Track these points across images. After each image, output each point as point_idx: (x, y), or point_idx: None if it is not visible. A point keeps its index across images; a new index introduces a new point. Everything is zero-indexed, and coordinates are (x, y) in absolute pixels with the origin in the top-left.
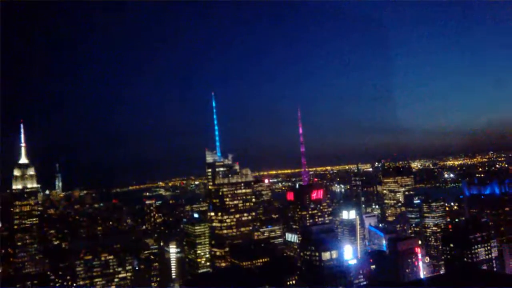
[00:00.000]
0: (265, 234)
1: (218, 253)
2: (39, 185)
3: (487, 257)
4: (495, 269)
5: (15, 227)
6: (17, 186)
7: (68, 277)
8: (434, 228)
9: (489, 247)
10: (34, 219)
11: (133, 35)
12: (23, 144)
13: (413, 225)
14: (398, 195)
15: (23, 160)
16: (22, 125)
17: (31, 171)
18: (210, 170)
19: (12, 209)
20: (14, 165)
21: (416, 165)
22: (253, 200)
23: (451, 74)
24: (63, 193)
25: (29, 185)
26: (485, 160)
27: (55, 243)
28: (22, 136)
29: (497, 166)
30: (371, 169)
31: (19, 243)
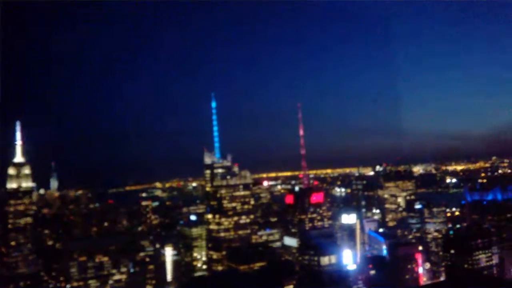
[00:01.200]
0: (263, 238)
1: (215, 256)
2: (34, 184)
3: (488, 263)
4: (495, 276)
5: (9, 226)
6: (11, 185)
7: (61, 278)
8: (435, 233)
9: (490, 254)
10: (28, 218)
11: (131, 35)
12: (19, 142)
13: (414, 230)
14: (399, 200)
15: (19, 158)
16: (18, 123)
17: (26, 170)
18: (208, 171)
19: (6, 208)
20: (9, 163)
21: (418, 169)
22: (252, 202)
23: (454, 77)
24: (58, 192)
25: (24, 184)
26: (488, 165)
27: (49, 243)
28: (19, 134)
29: (499, 171)
30: (372, 173)
31: (12, 243)
